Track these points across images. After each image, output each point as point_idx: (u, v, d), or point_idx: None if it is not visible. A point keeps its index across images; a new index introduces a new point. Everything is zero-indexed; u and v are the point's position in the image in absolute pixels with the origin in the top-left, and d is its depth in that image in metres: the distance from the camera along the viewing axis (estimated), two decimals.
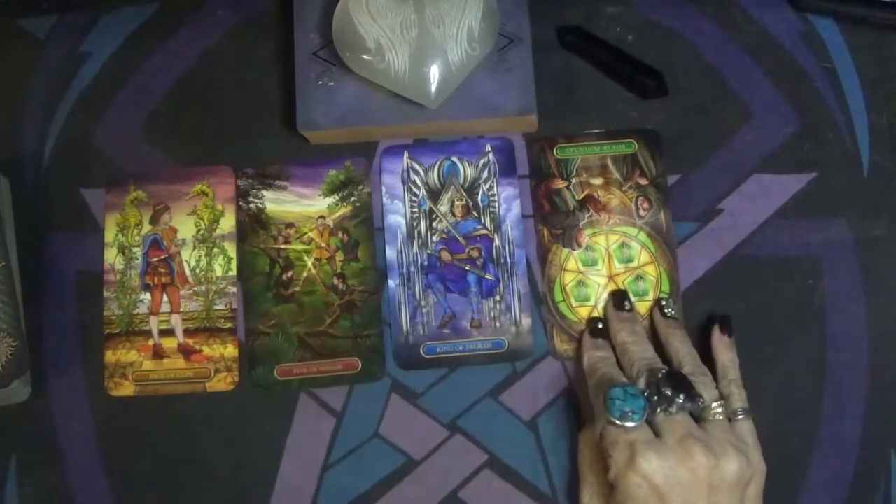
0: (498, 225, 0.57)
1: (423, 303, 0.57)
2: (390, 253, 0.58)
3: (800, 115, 0.58)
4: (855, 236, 0.56)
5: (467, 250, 0.57)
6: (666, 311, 0.54)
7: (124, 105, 0.61)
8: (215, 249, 0.58)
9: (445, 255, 0.57)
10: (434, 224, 0.58)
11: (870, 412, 0.54)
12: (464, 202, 0.58)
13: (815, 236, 0.56)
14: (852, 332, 0.55)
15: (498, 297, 0.57)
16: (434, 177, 0.58)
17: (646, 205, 0.56)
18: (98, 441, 0.57)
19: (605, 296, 0.56)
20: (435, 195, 0.58)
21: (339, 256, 0.58)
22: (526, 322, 0.56)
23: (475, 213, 0.58)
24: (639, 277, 0.56)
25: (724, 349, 0.52)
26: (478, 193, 0.58)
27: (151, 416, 0.57)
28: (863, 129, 0.57)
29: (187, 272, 0.58)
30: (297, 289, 0.58)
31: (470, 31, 0.53)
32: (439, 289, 0.57)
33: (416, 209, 0.58)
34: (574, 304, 0.56)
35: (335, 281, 0.57)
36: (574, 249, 0.56)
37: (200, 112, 0.60)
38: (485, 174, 0.58)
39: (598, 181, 0.57)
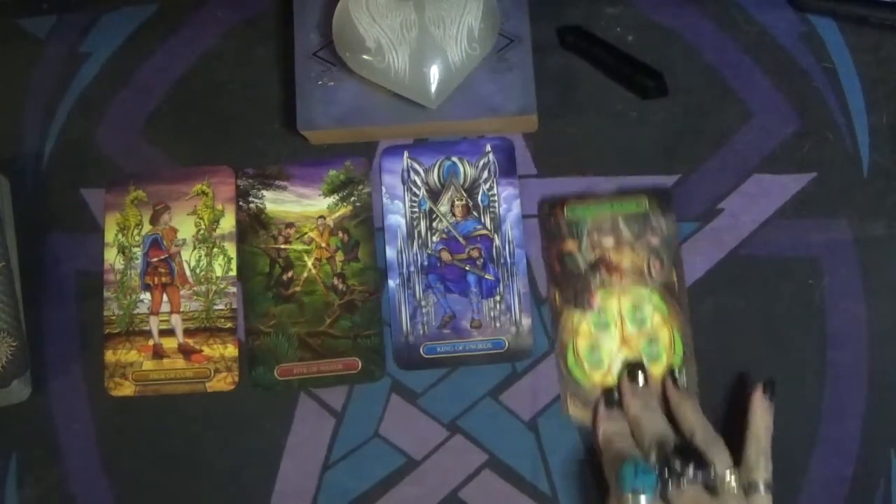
0: (498, 225, 0.57)
1: (423, 303, 0.57)
2: (390, 253, 0.58)
3: (800, 115, 0.58)
4: (855, 236, 0.56)
5: (467, 250, 0.57)
6: (678, 381, 0.54)
7: (124, 105, 0.61)
8: (215, 249, 0.58)
9: (445, 255, 0.57)
10: (434, 224, 0.58)
11: (870, 412, 0.54)
12: (464, 202, 0.58)
13: (815, 236, 0.56)
14: (852, 332, 0.55)
15: (498, 297, 0.57)
16: (434, 177, 0.58)
17: (658, 265, 0.55)
18: (98, 441, 0.57)
19: (618, 360, 0.55)
20: (435, 195, 0.58)
21: (339, 256, 0.58)
22: (526, 322, 0.56)
23: (475, 213, 0.58)
24: (651, 340, 0.55)
25: (762, 413, 0.51)
26: (478, 193, 0.58)
27: (151, 416, 0.57)
28: (863, 129, 0.57)
29: (187, 272, 0.58)
30: (297, 289, 0.58)
31: (470, 31, 0.53)
32: (439, 289, 0.57)
33: (416, 209, 0.58)
34: (587, 368, 0.55)
35: (335, 281, 0.57)
36: (586, 311, 0.55)
37: (200, 112, 0.60)
38: (485, 174, 0.58)
39: (609, 242, 0.56)
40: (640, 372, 0.54)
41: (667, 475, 0.47)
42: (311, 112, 0.57)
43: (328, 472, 0.56)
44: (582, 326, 0.55)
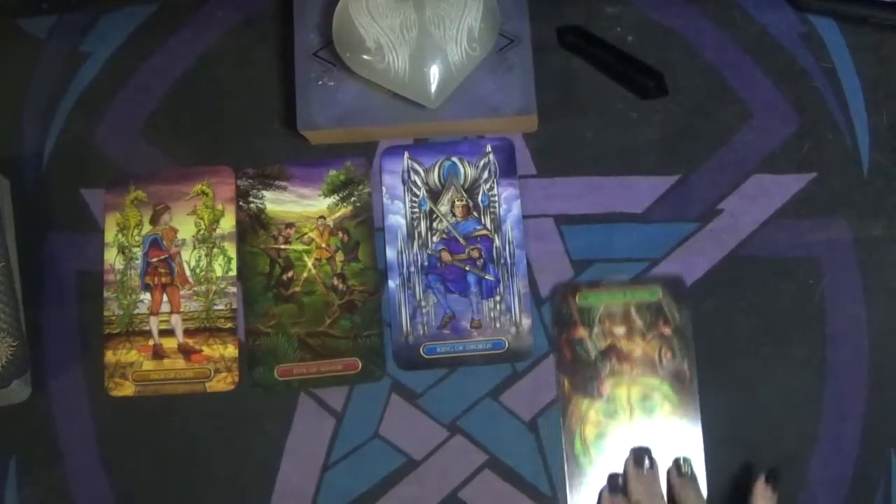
0: (498, 225, 0.57)
1: (423, 303, 0.57)
2: (390, 253, 0.58)
3: (800, 115, 0.58)
4: (855, 236, 0.56)
5: (467, 250, 0.57)
6: (682, 469, 0.53)
7: (124, 105, 0.61)
8: (215, 249, 0.58)
9: (445, 256, 0.57)
10: (434, 224, 0.58)
11: (870, 412, 0.54)
12: (464, 202, 0.58)
13: (815, 236, 0.56)
14: (852, 332, 0.55)
15: (498, 298, 0.57)
16: (434, 177, 0.58)
17: (669, 355, 0.55)
18: (98, 441, 0.57)
19: (626, 449, 0.55)
20: (435, 195, 0.58)
21: (339, 256, 0.58)
22: (526, 322, 0.56)
23: (475, 214, 0.58)
24: (660, 430, 0.54)
25: (763, 502, 0.51)
26: (478, 194, 0.58)
27: (151, 416, 0.57)
28: (863, 129, 0.57)
29: (187, 272, 0.58)
30: (297, 289, 0.58)
31: (470, 31, 0.53)
32: (439, 289, 0.57)
33: (416, 209, 0.58)
34: (593, 454, 0.55)
35: (335, 281, 0.57)
36: (595, 399, 0.55)
37: (200, 112, 0.60)
38: (485, 174, 0.58)
39: (620, 330, 0.56)
40: (646, 457, 0.54)
41: None
42: (311, 112, 0.56)
43: (328, 473, 0.56)
44: (590, 414, 0.55)
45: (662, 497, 0.52)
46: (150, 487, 0.56)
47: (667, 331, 0.55)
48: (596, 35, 0.59)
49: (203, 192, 0.59)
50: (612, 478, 0.54)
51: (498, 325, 0.56)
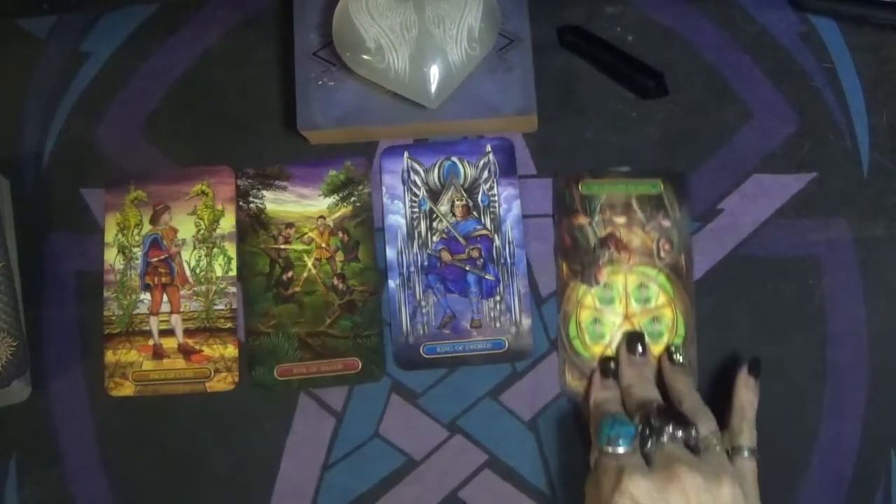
0: (498, 225, 0.57)
1: (423, 303, 0.57)
2: (390, 253, 0.58)
3: (800, 115, 0.58)
4: (855, 236, 0.56)
5: (467, 250, 0.57)
6: (674, 357, 0.54)
7: (124, 105, 0.61)
8: (215, 249, 0.58)
9: (445, 256, 0.57)
10: (434, 224, 0.58)
11: (870, 412, 0.54)
12: (464, 202, 0.58)
13: (815, 236, 0.56)
14: (852, 332, 0.55)
15: (498, 298, 0.57)
16: (434, 177, 0.58)
17: (667, 247, 0.56)
18: (98, 441, 0.57)
19: (619, 335, 0.55)
20: (435, 195, 0.58)
21: (339, 256, 0.58)
22: (526, 322, 0.56)
23: (475, 214, 0.58)
24: (655, 319, 0.55)
25: (747, 390, 0.51)
26: (478, 194, 0.58)
27: (151, 416, 0.57)
28: (863, 129, 0.57)
29: (187, 272, 0.58)
30: (297, 289, 0.58)
31: (470, 31, 0.53)
32: (439, 289, 0.57)
33: (416, 209, 0.58)
34: (588, 341, 0.55)
35: (335, 281, 0.57)
36: (592, 286, 0.56)
37: (200, 112, 0.60)
38: (485, 174, 0.58)
39: (621, 220, 0.56)
40: (638, 343, 0.54)
41: (647, 432, 0.47)
42: (311, 112, 0.56)
43: (328, 472, 0.56)
44: (586, 299, 0.56)
45: (653, 382, 0.53)
46: (150, 487, 0.56)
47: (666, 223, 0.56)
48: (596, 35, 0.59)
49: (203, 192, 0.59)
50: (604, 361, 0.55)
51: (498, 324, 0.56)
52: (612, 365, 0.54)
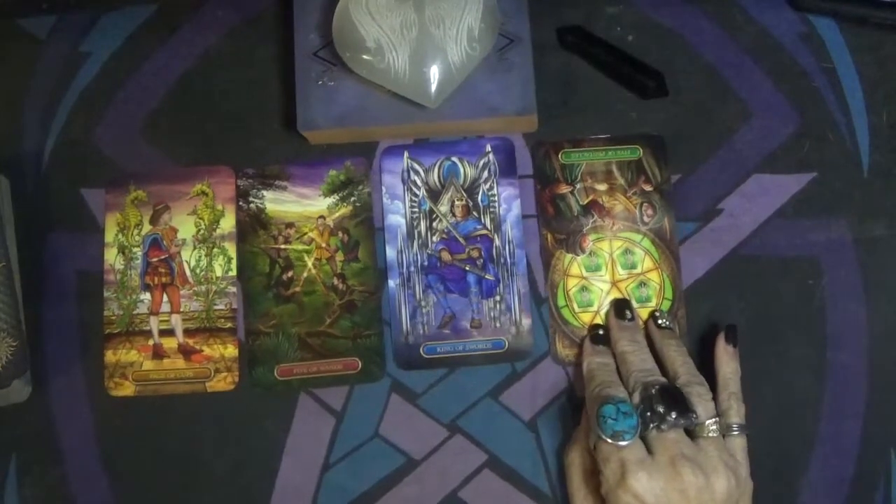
0: (498, 225, 0.57)
1: (423, 303, 0.57)
2: (390, 253, 0.58)
3: (800, 115, 0.58)
4: (855, 236, 0.56)
5: (467, 250, 0.57)
6: (660, 321, 0.54)
7: (124, 105, 0.61)
8: (215, 249, 0.58)
9: (445, 255, 0.57)
10: (434, 224, 0.58)
11: (870, 412, 0.54)
12: (464, 202, 0.58)
13: (815, 236, 0.56)
14: (852, 332, 0.55)
15: (498, 298, 0.57)
16: (434, 177, 0.58)
17: (650, 211, 0.56)
18: (98, 441, 0.57)
19: (607, 301, 0.56)
20: (435, 195, 0.58)
21: (339, 256, 0.58)
22: (526, 322, 0.56)
23: (475, 214, 0.58)
24: (642, 284, 0.56)
25: (728, 359, 0.52)
26: (478, 194, 0.58)
27: (151, 416, 0.57)
28: (863, 129, 0.57)
29: (187, 272, 0.58)
30: (297, 289, 0.58)
31: (470, 31, 0.53)
32: (439, 289, 0.57)
33: (416, 209, 0.58)
34: (577, 309, 0.56)
35: (335, 281, 0.57)
36: (577, 255, 0.56)
37: (200, 112, 0.60)
38: (485, 174, 0.58)
39: (602, 187, 0.57)
40: (627, 308, 0.55)
41: (649, 419, 0.47)
42: (311, 112, 0.57)
43: (328, 473, 0.56)
44: (573, 268, 0.56)
45: (645, 346, 0.53)
46: (150, 487, 0.56)
47: (648, 187, 0.56)
48: (596, 35, 0.59)
49: (203, 192, 0.59)
50: (595, 328, 0.55)
51: (498, 324, 0.56)
52: (602, 331, 0.55)
